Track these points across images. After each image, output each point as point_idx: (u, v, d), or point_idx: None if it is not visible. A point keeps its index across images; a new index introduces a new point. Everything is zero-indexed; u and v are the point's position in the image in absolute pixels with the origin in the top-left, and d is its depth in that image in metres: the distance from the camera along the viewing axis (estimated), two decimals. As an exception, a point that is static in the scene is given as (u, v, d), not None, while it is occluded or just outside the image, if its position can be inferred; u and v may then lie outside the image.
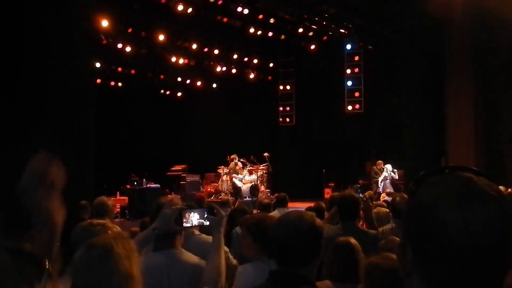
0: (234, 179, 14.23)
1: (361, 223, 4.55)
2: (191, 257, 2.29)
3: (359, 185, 4.05)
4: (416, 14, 12.76)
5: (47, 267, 0.55)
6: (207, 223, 2.14)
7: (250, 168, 15.14)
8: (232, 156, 14.65)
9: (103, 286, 1.36)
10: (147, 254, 2.22)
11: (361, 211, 4.76)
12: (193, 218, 2.14)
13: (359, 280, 2.22)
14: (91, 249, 1.42)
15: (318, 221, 1.90)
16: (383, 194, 11.07)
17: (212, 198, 14.90)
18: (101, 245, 1.42)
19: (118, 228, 3.11)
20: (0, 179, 7.91)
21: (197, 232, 3.32)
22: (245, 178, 15.05)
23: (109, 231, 2.22)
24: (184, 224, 2.14)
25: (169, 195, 13.67)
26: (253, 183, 14.72)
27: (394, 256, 1.95)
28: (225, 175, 15.33)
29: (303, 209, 6.48)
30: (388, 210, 4.71)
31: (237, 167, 14.42)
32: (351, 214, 3.77)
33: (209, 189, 15.64)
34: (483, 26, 13.14)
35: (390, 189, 12.94)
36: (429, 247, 0.82)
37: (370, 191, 10.02)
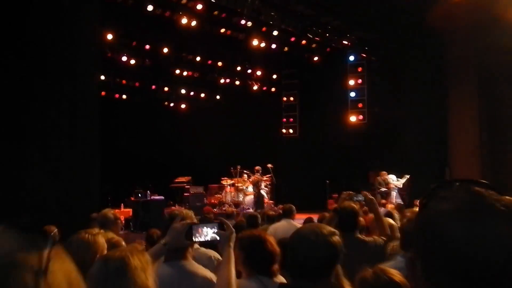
0: (261, 191, 14.38)
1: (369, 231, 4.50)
2: (201, 269, 2.31)
3: (353, 192, 3.97)
4: (418, 25, 12.83)
5: (52, 234, 0.65)
6: (217, 238, 2.17)
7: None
8: (256, 168, 14.72)
9: (120, 298, 1.39)
10: (158, 264, 2.24)
11: (363, 219, 4.70)
12: (204, 233, 2.16)
13: None
14: (108, 262, 1.45)
15: (335, 237, 1.88)
16: (391, 205, 11.04)
17: (215, 209, 14.89)
18: (118, 258, 1.44)
19: (122, 241, 3.13)
20: (10, 193, 7.94)
21: (196, 245, 3.33)
22: (249, 190, 15.06)
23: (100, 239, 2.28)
24: (194, 239, 2.17)
25: (172, 207, 13.69)
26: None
27: (389, 270, 1.94)
28: (228, 187, 15.33)
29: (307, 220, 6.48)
30: (392, 222, 4.67)
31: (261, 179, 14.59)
32: (350, 225, 3.74)
33: (212, 201, 15.61)
34: (485, 36, 13.17)
35: (398, 200, 12.93)
36: (439, 262, 0.82)
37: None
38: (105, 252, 2.30)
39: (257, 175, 14.68)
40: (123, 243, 2.91)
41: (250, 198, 14.91)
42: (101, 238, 2.44)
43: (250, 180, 14.89)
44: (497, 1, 11.73)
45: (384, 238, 3.86)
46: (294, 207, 6.28)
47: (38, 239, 0.63)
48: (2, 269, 0.58)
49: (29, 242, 0.62)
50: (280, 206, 14.11)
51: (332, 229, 1.95)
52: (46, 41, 9.08)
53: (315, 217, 7.15)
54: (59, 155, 9.15)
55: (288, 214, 6.13)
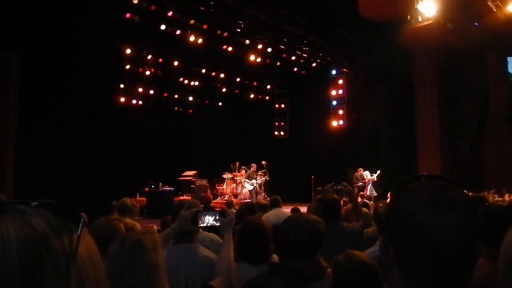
0: (246, 183, 14.35)
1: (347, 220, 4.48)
2: (205, 251, 2.29)
3: (333, 183, 3.87)
4: (391, 44, 12.87)
5: (83, 216, 0.60)
6: (218, 224, 2.16)
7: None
8: (252, 165, 14.74)
9: (134, 274, 1.37)
10: (168, 246, 2.22)
11: (344, 211, 4.67)
12: (208, 220, 2.15)
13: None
14: (124, 243, 1.43)
15: (319, 225, 1.87)
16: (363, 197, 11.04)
17: (217, 199, 14.86)
18: (133, 239, 1.43)
19: (139, 225, 3.11)
20: (39, 184, 7.87)
21: (200, 230, 3.27)
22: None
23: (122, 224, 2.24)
24: (199, 225, 2.16)
25: (181, 197, 13.63)
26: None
27: (359, 253, 1.92)
28: (228, 180, 15.30)
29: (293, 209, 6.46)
30: (368, 211, 4.66)
31: (253, 174, 14.58)
32: (334, 214, 3.67)
33: (215, 192, 15.58)
34: (447, 55, 13.25)
35: (373, 193, 12.97)
36: (408, 246, 0.81)
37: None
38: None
39: (249, 171, 14.66)
40: (138, 226, 2.89)
41: (246, 190, 14.87)
42: (121, 224, 2.41)
43: (245, 174, 14.87)
44: (457, 26, 11.80)
45: (361, 224, 3.83)
46: (279, 198, 6.17)
47: (69, 222, 0.58)
48: (36, 252, 0.53)
49: (62, 224, 0.57)
50: (272, 196, 14.14)
51: (317, 218, 1.92)
52: (74, 54, 9.04)
53: (302, 207, 7.15)
54: (85, 154, 9.11)
55: (275, 204, 6.05)
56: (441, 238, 0.78)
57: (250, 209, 5.22)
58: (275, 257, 2.55)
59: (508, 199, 7.97)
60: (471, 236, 0.80)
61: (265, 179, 14.98)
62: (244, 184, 14.45)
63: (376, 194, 12.71)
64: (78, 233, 0.57)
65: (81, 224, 0.58)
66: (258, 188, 14.79)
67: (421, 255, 0.80)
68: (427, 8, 10.33)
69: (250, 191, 14.25)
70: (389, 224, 0.88)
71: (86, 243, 0.59)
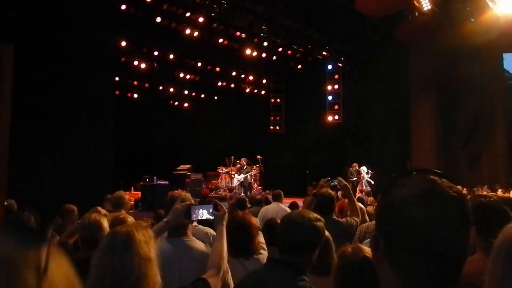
0: (235, 178, 14.35)
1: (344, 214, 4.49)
2: (199, 244, 2.28)
3: (328, 178, 3.88)
4: (387, 39, 12.88)
5: (48, 235, 0.58)
6: (212, 217, 2.16)
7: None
8: (243, 159, 14.75)
9: (126, 267, 1.36)
10: (162, 240, 2.22)
11: (337, 206, 4.68)
12: (201, 213, 2.15)
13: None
14: (116, 236, 1.43)
15: (319, 223, 1.87)
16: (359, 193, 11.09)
17: (212, 193, 14.85)
18: (124, 232, 1.42)
19: (133, 219, 3.11)
20: (33, 178, 7.83)
21: (194, 223, 3.29)
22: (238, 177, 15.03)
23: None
24: (192, 218, 2.15)
25: (176, 191, 13.60)
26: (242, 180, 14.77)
27: (363, 247, 1.93)
28: (223, 174, 15.29)
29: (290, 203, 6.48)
30: (362, 206, 4.67)
31: (242, 168, 14.57)
32: (327, 208, 3.72)
33: (209, 186, 15.57)
34: (443, 50, 13.27)
35: (367, 188, 13.01)
36: (399, 240, 0.81)
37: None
38: (108, 229, 2.31)
39: (239, 165, 14.65)
40: (130, 219, 2.89)
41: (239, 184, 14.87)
42: (105, 221, 2.50)
43: (235, 168, 14.86)
44: (453, 22, 11.81)
45: (355, 219, 3.84)
46: (282, 192, 6.24)
47: (36, 237, 0.56)
48: (2, 268, 0.51)
49: (27, 240, 0.55)
50: (267, 191, 14.18)
51: (318, 216, 1.93)
52: (68, 47, 8.97)
53: (298, 201, 7.19)
54: (79, 147, 9.07)
55: (277, 198, 6.10)
56: (433, 233, 0.78)
57: (241, 204, 5.24)
58: (262, 252, 2.59)
59: (501, 195, 8.04)
60: (463, 230, 0.80)
61: (256, 173, 14.99)
62: (235, 181, 14.48)
63: (370, 190, 12.78)
64: (46, 247, 0.55)
65: (47, 238, 0.57)
66: (252, 182, 14.79)
67: (413, 249, 0.79)
68: (424, 3, 10.33)
69: (237, 185, 14.27)
70: (380, 219, 0.87)
71: (59, 258, 0.57)
